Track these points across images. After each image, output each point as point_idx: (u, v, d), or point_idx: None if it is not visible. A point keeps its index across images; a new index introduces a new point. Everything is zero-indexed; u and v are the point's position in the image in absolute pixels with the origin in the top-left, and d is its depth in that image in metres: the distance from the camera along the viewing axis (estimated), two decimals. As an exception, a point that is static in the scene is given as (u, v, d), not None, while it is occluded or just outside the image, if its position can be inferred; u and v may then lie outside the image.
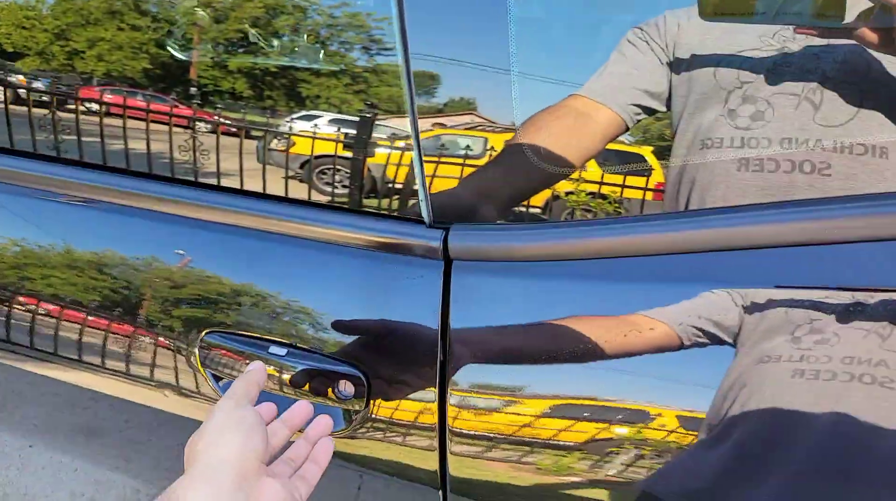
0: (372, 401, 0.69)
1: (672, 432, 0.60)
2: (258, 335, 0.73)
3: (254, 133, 0.80)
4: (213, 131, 0.81)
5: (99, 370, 0.87)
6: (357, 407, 0.69)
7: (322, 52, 0.74)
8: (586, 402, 0.62)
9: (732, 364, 0.58)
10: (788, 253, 0.57)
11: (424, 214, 0.69)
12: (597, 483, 0.64)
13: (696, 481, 0.60)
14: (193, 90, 0.82)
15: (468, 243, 0.67)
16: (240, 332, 0.74)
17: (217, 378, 0.76)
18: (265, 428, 0.55)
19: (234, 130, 0.81)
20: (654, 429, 0.60)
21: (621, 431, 0.62)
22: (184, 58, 0.81)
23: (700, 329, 0.58)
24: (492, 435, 0.65)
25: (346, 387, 0.68)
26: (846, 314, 0.55)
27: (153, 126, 0.84)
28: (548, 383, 0.64)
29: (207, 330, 0.76)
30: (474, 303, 0.65)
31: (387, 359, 0.69)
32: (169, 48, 0.81)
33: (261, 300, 0.74)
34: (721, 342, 0.58)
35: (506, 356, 0.65)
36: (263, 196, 0.78)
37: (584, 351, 0.61)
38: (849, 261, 0.56)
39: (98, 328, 0.85)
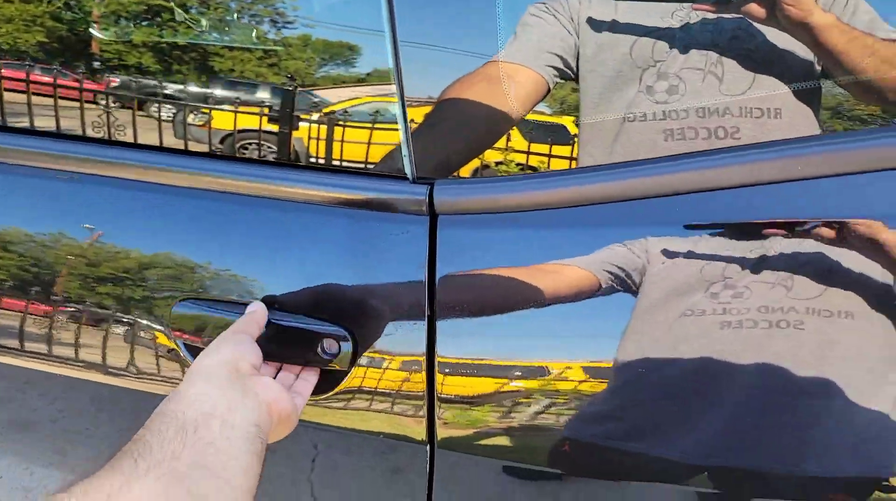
0: (358, 359, 0.68)
1: (592, 380, 0.64)
2: (236, 300, 0.71)
3: (168, 107, 0.76)
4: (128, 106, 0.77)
5: (24, 354, 0.83)
6: (343, 367, 0.68)
7: (254, 30, 0.71)
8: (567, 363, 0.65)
9: (655, 317, 0.62)
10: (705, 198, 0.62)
11: (408, 170, 0.68)
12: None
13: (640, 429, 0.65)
14: (97, 65, 0.76)
15: (454, 196, 0.67)
16: (217, 297, 0.72)
17: (189, 348, 0.74)
18: (258, 347, 0.61)
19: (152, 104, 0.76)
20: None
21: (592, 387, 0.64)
22: (103, 36, 0.76)
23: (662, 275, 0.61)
24: (479, 393, 0.67)
25: (332, 346, 0.68)
26: (754, 267, 0.61)
27: (62, 103, 0.78)
28: (536, 336, 0.65)
29: (181, 298, 0.73)
30: (461, 256, 0.66)
31: (373, 316, 0.69)
32: (91, 31, 0.75)
33: (238, 264, 0.72)
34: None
35: (493, 307, 0.66)
36: (241, 160, 0.75)
37: (565, 298, 0.64)
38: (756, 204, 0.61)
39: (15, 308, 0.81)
